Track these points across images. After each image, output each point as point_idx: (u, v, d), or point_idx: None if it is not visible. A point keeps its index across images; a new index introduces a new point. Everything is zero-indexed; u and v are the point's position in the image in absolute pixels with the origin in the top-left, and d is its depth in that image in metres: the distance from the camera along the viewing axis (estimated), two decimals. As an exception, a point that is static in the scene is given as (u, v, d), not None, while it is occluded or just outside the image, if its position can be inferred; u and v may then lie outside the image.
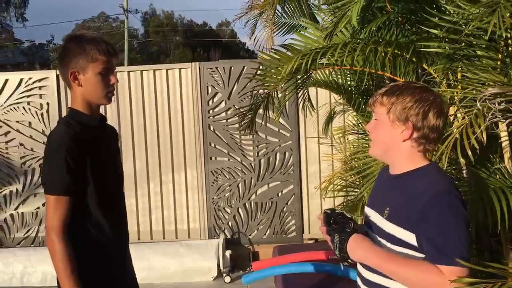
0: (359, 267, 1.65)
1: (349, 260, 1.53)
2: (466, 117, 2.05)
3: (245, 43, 37.49)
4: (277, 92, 3.05)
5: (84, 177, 1.86)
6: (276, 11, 3.89)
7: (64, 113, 5.25)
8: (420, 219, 1.43)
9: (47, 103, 5.25)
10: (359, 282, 1.68)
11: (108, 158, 2.02)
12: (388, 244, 1.51)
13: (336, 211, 1.61)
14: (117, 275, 2.01)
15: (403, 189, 1.54)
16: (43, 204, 5.28)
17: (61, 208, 1.81)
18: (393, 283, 1.51)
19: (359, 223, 1.76)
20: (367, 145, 3.32)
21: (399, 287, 1.49)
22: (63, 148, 1.81)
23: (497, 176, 2.17)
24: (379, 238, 1.55)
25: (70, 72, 1.89)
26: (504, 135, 2.22)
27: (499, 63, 2.14)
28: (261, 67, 4.35)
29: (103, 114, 2.11)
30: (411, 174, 1.55)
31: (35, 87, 5.25)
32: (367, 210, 1.68)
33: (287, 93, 3.20)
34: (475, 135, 1.90)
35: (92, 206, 1.89)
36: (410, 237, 1.46)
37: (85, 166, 1.85)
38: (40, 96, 5.26)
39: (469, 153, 2.11)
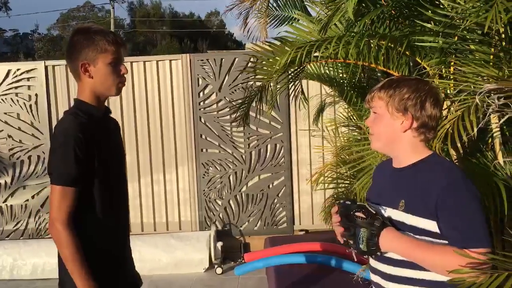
0: (375, 263, 1.65)
1: (378, 253, 1.55)
2: (458, 110, 2.08)
3: (233, 33, 37.34)
4: (269, 84, 3.05)
5: (91, 167, 1.85)
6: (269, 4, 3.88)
7: (52, 104, 5.21)
8: (440, 205, 1.47)
9: (36, 95, 5.19)
10: (375, 279, 1.67)
11: (113, 149, 2.03)
12: (411, 235, 1.54)
13: (357, 203, 1.59)
14: (119, 264, 2.04)
15: (415, 179, 1.57)
16: (32, 197, 5.25)
17: (68, 198, 1.81)
18: (418, 273, 1.53)
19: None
20: (359, 138, 3.35)
21: (426, 276, 1.52)
22: (71, 139, 1.80)
23: (490, 169, 2.21)
24: (401, 231, 1.56)
25: (81, 64, 1.88)
26: (495, 127, 2.26)
27: (491, 57, 2.17)
28: (252, 60, 4.34)
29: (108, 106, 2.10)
30: (418, 164, 1.59)
31: (23, 78, 5.18)
32: (374, 206, 1.67)
33: (279, 86, 3.20)
34: (467, 131, 1.93)
35: (97, 196, 1.89)
36: (431, 226, 1.50)
37: (92, 156, 1.85)
38: (28, 87, 5.20)
39: (459, 145, 2.14)
